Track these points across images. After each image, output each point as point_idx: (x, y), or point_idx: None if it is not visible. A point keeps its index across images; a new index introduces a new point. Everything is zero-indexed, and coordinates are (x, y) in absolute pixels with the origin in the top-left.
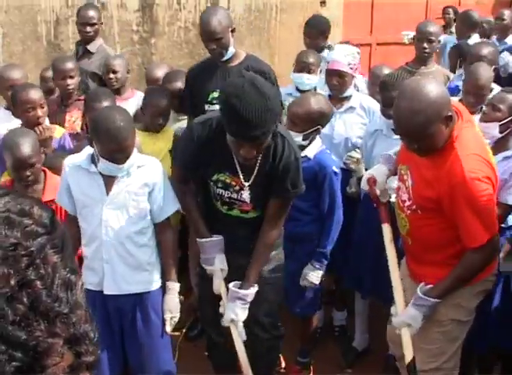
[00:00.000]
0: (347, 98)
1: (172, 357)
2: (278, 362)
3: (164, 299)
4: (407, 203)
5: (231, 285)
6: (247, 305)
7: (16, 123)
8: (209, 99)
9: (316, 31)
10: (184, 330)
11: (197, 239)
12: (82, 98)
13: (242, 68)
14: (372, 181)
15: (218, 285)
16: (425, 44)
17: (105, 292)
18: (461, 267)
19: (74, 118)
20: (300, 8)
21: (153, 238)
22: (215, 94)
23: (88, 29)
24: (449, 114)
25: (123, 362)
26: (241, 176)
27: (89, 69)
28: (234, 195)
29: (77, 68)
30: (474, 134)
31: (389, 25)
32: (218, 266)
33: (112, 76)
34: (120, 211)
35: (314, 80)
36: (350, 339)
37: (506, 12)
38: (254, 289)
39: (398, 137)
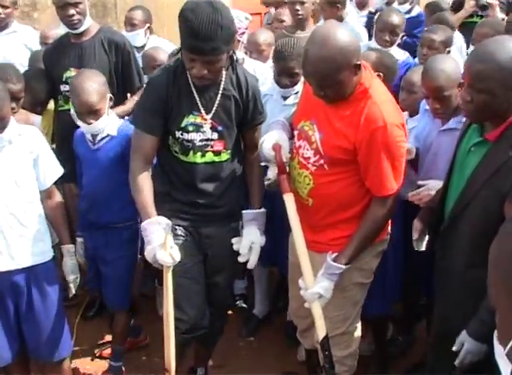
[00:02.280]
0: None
1: (69, 337)
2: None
3: (63, 263)
4: (313, 159)
5: (244, 211)
6: (263, 227)
7: None
8: (64, 79)
9: None
10: (81, 310)
11: (142, 224)
12: None
13: (95, 41)
14: (278, 147)
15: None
16: (297, 7)
17: (1, 269)
18: (366, 224)
19: None
20: None
21: (41, 206)
22: (69, 74)
23: None
24: (358, 62)
25: (20, 345)
26: (202, 110)
27: None
28: (206, 135)
29: None
30: (383, 86)
31: None
32: (155, 241)
33: None
34: (8, 182)
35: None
36: (251, 307)
37: None
38: (263, 210)
39: (289, 102)
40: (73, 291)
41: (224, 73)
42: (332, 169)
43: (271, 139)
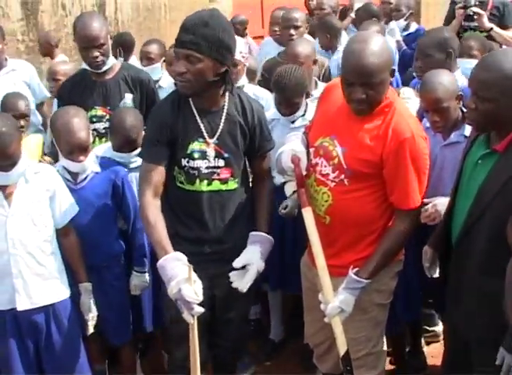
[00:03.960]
0: (240, 89)
1: (89, 373)
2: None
3: (80, 301)
4: (332, 175)
5: (252, 233)
6: (266, 253)
7: None
8: (88, 117)
9: None
10: None
11: (159, 261)
12: None
13: (119, 79)
14: (297, 160)
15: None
16: (292, 31)
17: (19, 308)
18: (389, 238)
19: None
20: (188, 5)
21: (57, 245)
22: (94, 112)
23: None
24: (393, 67)
25: None
26: (206, 136)
27: None
28: (212, 163)
29: None
30: (403, 102)
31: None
32: (180, 275)
33: None
34: (25, 220)
35: None
36: (266, 331)
37: None
38: (270, 237)
39: (296, 125)
40: (91, 330)
41: (227, 97)
42: (352, 184)
43: (289, 151)
